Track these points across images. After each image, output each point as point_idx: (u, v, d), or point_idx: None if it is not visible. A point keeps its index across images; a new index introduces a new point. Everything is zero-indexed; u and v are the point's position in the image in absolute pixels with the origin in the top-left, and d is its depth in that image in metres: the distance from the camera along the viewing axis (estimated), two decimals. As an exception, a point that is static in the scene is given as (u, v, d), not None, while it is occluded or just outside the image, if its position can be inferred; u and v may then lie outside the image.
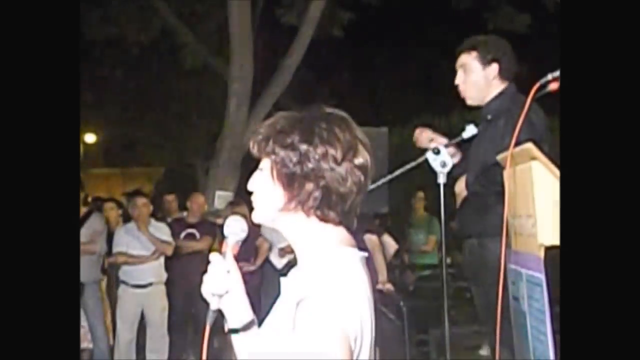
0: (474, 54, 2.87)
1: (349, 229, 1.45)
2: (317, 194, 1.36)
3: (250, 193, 1.48)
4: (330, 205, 1.37)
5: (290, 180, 1.38)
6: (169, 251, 5.78)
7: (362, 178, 1.38)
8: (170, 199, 7.37)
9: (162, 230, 5.88)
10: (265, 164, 1.42)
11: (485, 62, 2.85)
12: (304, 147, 1.36)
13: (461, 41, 3.00)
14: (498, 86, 2.90)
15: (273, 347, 1.35)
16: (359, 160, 1.38)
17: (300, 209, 1.39)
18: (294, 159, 1.36)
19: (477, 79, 2.87)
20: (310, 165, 1.35)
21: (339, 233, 1.42)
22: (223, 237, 1.53)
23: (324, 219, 1.39)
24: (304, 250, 1.43)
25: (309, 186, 1.36)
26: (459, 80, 2.92)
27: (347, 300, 1.28)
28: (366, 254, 1.44)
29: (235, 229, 1.50)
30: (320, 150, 1.35)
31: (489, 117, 2.87)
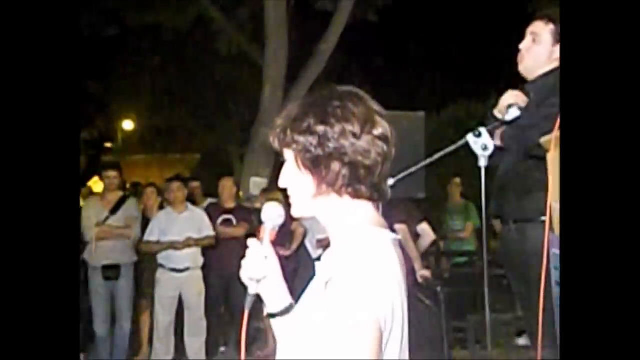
0: (550, 26, 2.79)
1: (382, 203, 1.44)
2: (344, 171, 1.36)
3: (284, 189, 1.48)
4: (359, 179, 1.36)
5: (315, 165, 1.37)
6: (212, 242, 5.87)
7: (385, 147, 1.38)
8: (195, 185, 7.18)
9: (198, 215, 5.94)
10: (289, 155, 1.42)
11: (557, 40, 2.77)
12: (321, 128, 1.36)
13: (499, 26, 2.94)
14: (551, 66, 2.82)
15: (305, 328, 1.36)
16: (378, 131, 1.37)
17: (332, 190, 1.38)
18: (314, 143, 1.36)
19: (543, 52, 2.80)
20: (331, 145, 1.35)
21: (371, 214, 1.42)
22: (259, 223, 1.53)
23: (356, 195, 1.38)
24: (336, 231, 1.43)
25: (335, 165, 1.36)
26: (524, 45, 2.85)
27: (376, 280, 1.28)
28: (399, 237, 1.43)
29: (272, 215, 1.51)
30: (337, 128, 1.35)
31: (532, 94, 2.80)
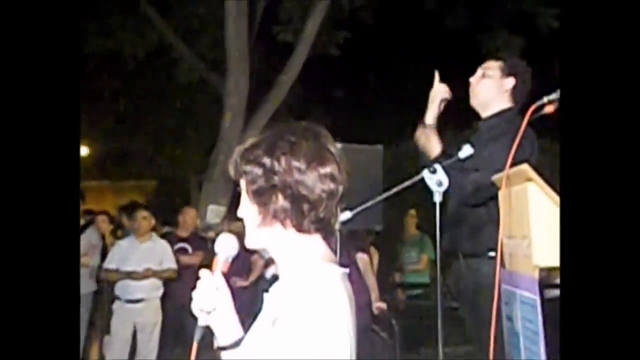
0: (499, 62, 3.04)
1: (329, 238, 1.44)
2: (286, 204, 1.37)
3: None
4: (303, 213, 1.37)
5: (259, 195, 1.38)
6: (173, 275, 5.73)
7: (332, 186, 1.38)
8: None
9: (160, 247, 5.83)
10: (242, 184, 1.43)
11: (505, 74, 2.98)
12: (267, 160, 1.37)
13: (455, 60, 3.07)
14: (504, 104, 2.93)
15: None
16: (325, 170, 1.38)
17: (276, 222, 1.39)
18: (259, 173, 1.37)
19: (491, 84, 2.98)
20: (276, 178, 1.36)
21: (320, 248, 1.42)
22: (214, 252, 1.52)
23: (300, 228, 1.39)
24: (285, 265, 1.43)
25: (278, 198, 1.37)
26: (474, 78, 3.04)
27: (324, 320, 1.27)
28: (347, 270, 1.43)
29: (225, 246, 1.50)
30: (283, 162, 1.36)
31: (484, 132, 2.89)
